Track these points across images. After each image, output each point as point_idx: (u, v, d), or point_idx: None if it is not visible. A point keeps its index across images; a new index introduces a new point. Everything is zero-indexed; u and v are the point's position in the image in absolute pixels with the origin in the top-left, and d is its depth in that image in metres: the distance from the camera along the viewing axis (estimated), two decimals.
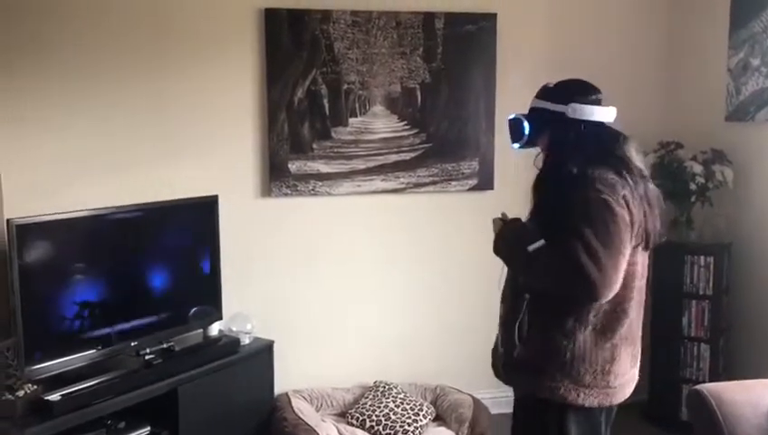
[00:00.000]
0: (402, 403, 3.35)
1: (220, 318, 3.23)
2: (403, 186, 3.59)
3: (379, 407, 3.32)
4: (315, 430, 3.08)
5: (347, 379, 3.59)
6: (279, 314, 3.48)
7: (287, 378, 3.43)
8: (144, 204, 2.94)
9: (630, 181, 1.88)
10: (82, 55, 3.10)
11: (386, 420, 3.24)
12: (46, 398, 2.43)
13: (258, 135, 3.41)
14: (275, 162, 3.42)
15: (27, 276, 2.48)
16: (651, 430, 3.64)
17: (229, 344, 3.14)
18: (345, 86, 3.47)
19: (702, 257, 3.54)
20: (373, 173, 3.55)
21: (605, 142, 1.96)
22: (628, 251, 1.83)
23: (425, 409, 3.35)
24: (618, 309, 1.90)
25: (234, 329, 3.25)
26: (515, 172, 3.42)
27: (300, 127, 3.43)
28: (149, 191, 3.07)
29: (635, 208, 1.85)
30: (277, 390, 3.39)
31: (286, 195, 3.45)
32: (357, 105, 3.51)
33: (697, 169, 3.53)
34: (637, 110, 3.89)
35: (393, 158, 3.57)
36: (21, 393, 2.43)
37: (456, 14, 3.55)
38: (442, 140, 3.61)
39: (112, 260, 2.84)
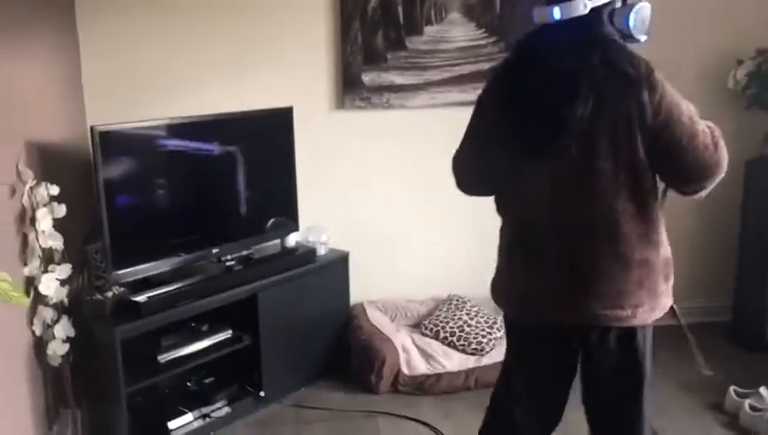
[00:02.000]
0: (476, 316, 3.35)
1: (297, 229, 3.27)
2: None
3: (453, 319, 3.33)
4: (390, 339, 3.13)
5: (420, 291, 3.61)
6: (353, 226, 3.49)
7: (362, 289, 3.47)
8: (220, 114, 2.94)
9: (518, 74, 1.76)
10: None
11: (460, 331, 3.26)
12: (134, 299, 2.54)
13: (332, 46, 3.35)
14: (349, 74, 3.36)
15: (111, 183, 2.54)
16: (734, 350, 3.53)
17: (306, 254, 3.19)
18: None
19: None
20: (449, 84, 3.45)
21: (527, 36, 1.81)
22: (487, 146, 1.81)
23: (498, 322, 3.35)
24: (510, 222, 1.88)
25: (310, 240, 3.30)
26: None
27: (373, 37, 3.35)
28: (224, 102, 3.09)
29: (498, 106, 1.78)
30: (352, 300, 3.44)
31: (360, 108, 3.41)
32: (432, 12, 3.38)
33: None
34: (733, 14, 3.63)
35: (470, 68, 3.45)
36: (109, 294, 2.54)
37: None
38: None
39: (192, 169, 2.88)
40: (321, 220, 3.38)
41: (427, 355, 3.17)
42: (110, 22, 3.08)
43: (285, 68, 3.32)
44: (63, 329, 2.43)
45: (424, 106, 3.46)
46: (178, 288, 2.67)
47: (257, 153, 3.10)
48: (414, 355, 3.15)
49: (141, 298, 2.54)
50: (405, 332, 3.33)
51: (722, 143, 1.70)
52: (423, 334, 3.33)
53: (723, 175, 1.71)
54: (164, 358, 2.66)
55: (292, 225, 3.25)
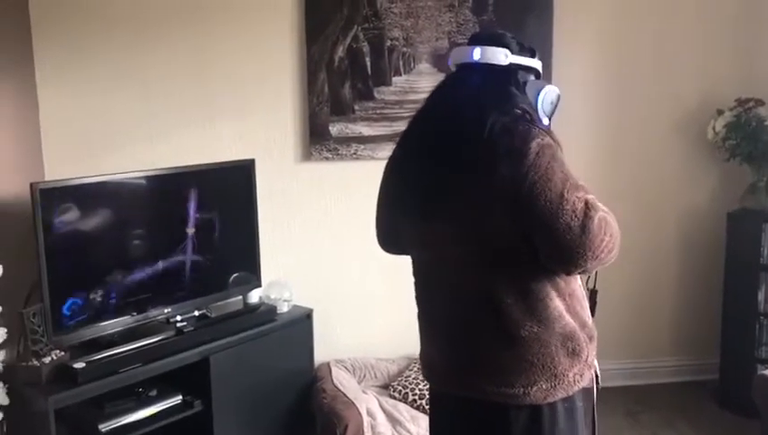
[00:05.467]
0: None
1: (259, 285, 3.14)
2: None
3: (424, 380, 3.17)
4: (354, 403, 2.96)
5: (392, 349, 3.46)
6: (321, 281, 3.37)
7: (330, 348, 3.32)
8: (179, 167, 2.85)
9: (410, 131, 1.71)
10: (125, 18, 3.06)
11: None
12: (72, 365, 2.40)
13: (298, 97, 3.27)
14: (315, 125, 3.27)
15: (55, 241, 2.42)
16: (720, 412, 3.37)
17: (266, 313, 3.05)
18: (388, 43, 3.28)
19: None
20: None
21: (438, 86, 1.76)
22: (386, 209, 1.78)
23: None
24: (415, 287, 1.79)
25: (272, 296, 3.16)
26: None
27: (341, 87, 3.27)
28: (188, 155, 3.00)
29: (390, 164, 1.74)
30: (320, 360, 3.29)
31: (327, 159, 3.31)
32: (401, 63, 3.31)
33: None
34: (714, 64, 3.55)
35: None
36: (47, 360, 2.41)
37: None
38: None
39: (148, 226, 2.77)
40: (285, 276, 3.25)
41: (393, 420, 2.99)
42: (70, 70, 3.01)
43: (252, 119, 3.24)
44: None
45: None
46: (123, 352, 2.52)
47: (218, 207, 2.99)
48: (380, 420, 2.98)
49: (79, 364, 2.39)
50: (372, 394, 3.17)
51: (593, 227, 1.44)
52: (391, 396, 3.16)
53: (599, 260, 1.47)
54: (106, 427, 2.50)
55: (255, 281, 3.12)
